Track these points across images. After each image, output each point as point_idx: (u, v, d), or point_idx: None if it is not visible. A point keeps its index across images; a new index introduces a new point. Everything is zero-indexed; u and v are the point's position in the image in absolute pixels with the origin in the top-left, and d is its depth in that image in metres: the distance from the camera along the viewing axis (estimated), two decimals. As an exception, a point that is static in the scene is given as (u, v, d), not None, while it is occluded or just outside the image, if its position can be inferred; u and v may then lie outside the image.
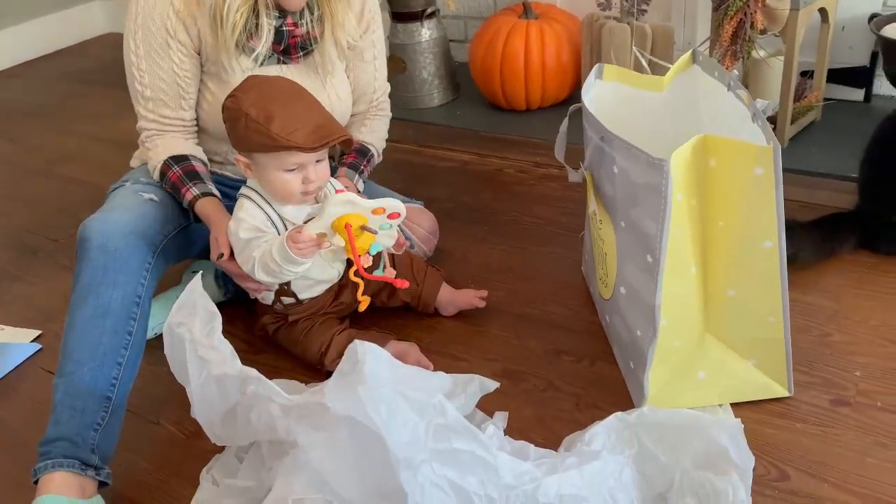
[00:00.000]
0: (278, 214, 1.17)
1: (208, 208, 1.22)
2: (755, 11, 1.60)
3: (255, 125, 1.07)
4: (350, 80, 1.39)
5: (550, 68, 2.01)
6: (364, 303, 1.14)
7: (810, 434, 1.05)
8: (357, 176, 1.36)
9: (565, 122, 1.23)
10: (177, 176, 1.23)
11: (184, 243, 1.27)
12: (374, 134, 1.45)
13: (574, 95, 2.10)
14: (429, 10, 2.12)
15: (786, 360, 1.07)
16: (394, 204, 1.11)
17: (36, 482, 1.00)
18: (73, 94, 2.77)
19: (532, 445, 1.01)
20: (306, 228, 1.09)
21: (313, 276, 1.22)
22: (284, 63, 1.29)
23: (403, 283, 1.13)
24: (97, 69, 3.00)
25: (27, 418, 1.25)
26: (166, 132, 1.27)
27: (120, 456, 1.09)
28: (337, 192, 1.14)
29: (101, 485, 1.03)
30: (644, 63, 1.27)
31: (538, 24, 2.01)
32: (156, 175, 1.26)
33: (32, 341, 1.45)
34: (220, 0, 1.17)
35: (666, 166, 0.93)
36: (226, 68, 1.23)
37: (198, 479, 1.05)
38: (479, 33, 2.11)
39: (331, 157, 1.48)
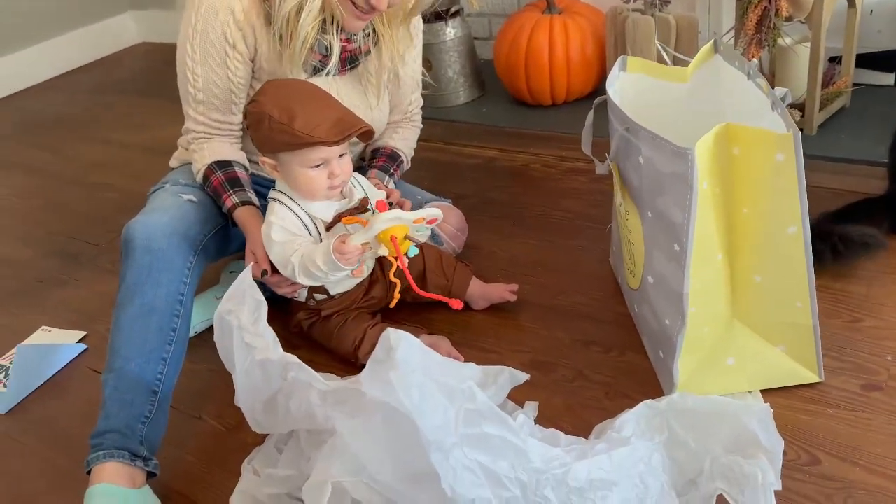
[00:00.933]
0: (307, 213, 1.20)
1: (246, 217, 1.26)
2: (779, -1, 1.59)
3: (279, 125, 1.10)
4: (389, 90, 1.43)
5: (575, 63, 2.02)
6: (395, 300, 1.18)
7: (841, 419, 1.05)
8: (387, 178, 1.40)
9: (591, 114, 1.24)
10: (219, 181, 1.27)
11: (222, 242, 1.31)
12: (406, 142, 1.50)
13: (599, 89, 2.11)
14: (453, 9, 2.15)
15: (815, 345, 1.07)
16: (432, 212, 1.17)
17: (88, 473, 1.04)
18: (108, 104, 2.85)
19: (562, 433, 1.03)
20: (351, 239, 1.12)
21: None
22: (332, 75, 1.32)
23: (458, 304, 1.16)
24: (130, 79, 3.09)
25: (76, 415, 1.31)
26: (213, 136, 1.31)
27: (165, 449, 1.14)
28: (378, 205, 1.18)
29: (150, 475, 1.08)
30: (667, 58, 1.27)
31: (562, 18, 2.02)
32: (199, 178, 1.30)
33: (78, 342, 1.51)
34: (292, 16, 1.18)
35: (691, 155, 0.94)
36: (281, 78, 1.26)
37: (239, 469, 1.08)
38: (503, 30, 2.13)
39: (362, 159, 1.52)
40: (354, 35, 1.28)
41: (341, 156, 1.17)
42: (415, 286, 1.15)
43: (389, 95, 1.45)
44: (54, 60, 3.23)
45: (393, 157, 1.45)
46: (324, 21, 1.23)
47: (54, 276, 1.75)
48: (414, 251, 1.18)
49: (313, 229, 1.21)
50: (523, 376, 1.06)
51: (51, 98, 3.02)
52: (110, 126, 2.62)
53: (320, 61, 1.28)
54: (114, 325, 1.12)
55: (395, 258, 1.13)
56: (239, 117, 1.32)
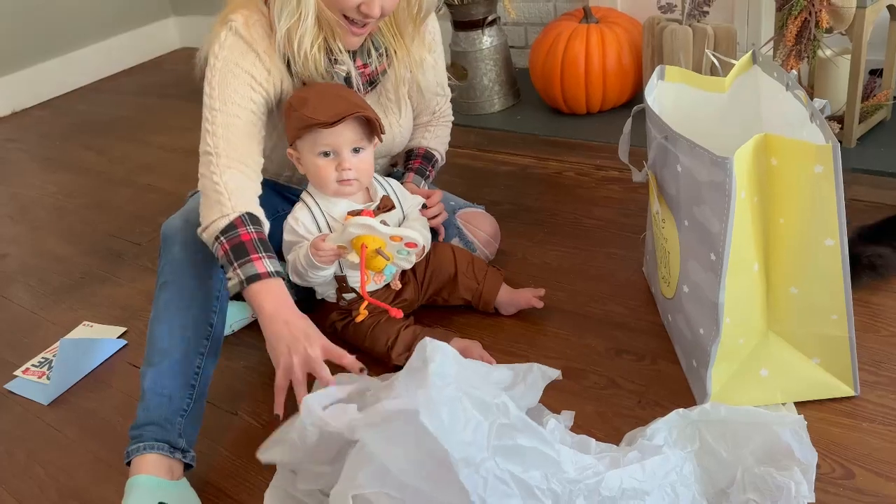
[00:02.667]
0: (326, 215, 1.24)
1: (268, 295, 1.05)
2: (820, 10, 1.58)
3: (292, 111, 1.16)
4: (413, 101, 1.44)
5: (611, 72, 2.03)
6: (361, 316, 1.19)
7: (878, 433, 1.04)
8: (423, 181, 1.42)
9: (629, 122, 1.25)
10: (249, 239, 1.09)
11: None
12: (438, 139, 1.51)
13: (635, 98, 2.11)
14: (490, 18, 2.16)
15: (851, 358, 1.06)
16: (411, 235, 1.16)
17: (128, 464, 1.07)
18: (150, 107, 2.92)
19: (593, 440, 1.03)
20: (328, 239, 1.16)
21: None
22: None
23: (397, 313, 1.17)
24: (171, 83, 3.16)
25: (116, 407, 1.34)
26: (234, 168, 1.16)
27: (201, 443, 1.16)
28: (364, 213, 1.21)
29: (187, 467, 1.10)
30: (717, 64, 1.26)
31: (598, 28, 2.03)
32: (217, 228, 1.11)
33: (119, 337, 1.55)
34: (291, 37, 1.16)
35: (730, 164, 0.94)
36: None
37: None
38: (539, 39, 2.14)
39: (392, 166, 1.54)
40: (369, 59, 1.28)
41: (354, 151, 1.19)
42: (365, 295, 1.16)
43: (414, 104, 1.45)
44: (100, 64, 3.33)
45: (427, 157, 1.47)
46: (330, 50, 1.22)
47: (97, 272, 1.80)
48: (391, 269, 1.18)
49: (326, 231, 1.24)
50: (555, 373, 1.06)
51: (97, 100, 3.11)
52: (153, 129, 2.68)
53: None
54: (153, 319, 1.15)
55: (362, 270, 1.14)
56: (261, 159, 1.21)
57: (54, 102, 3.16)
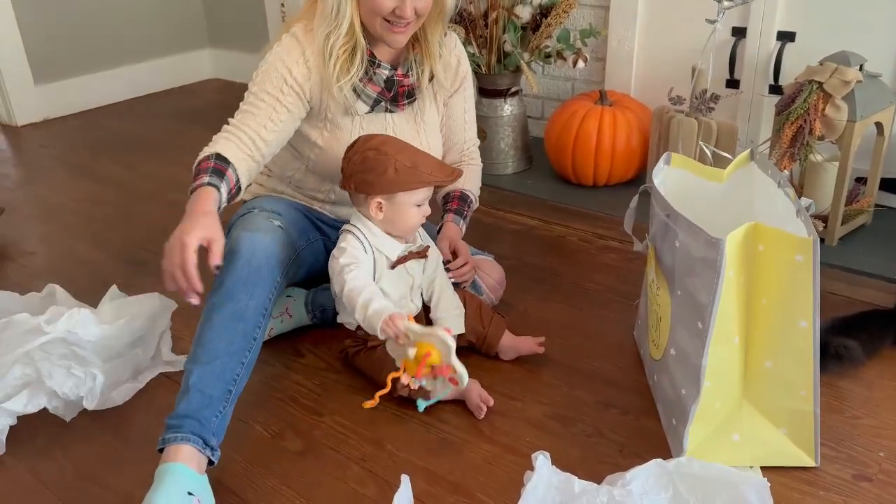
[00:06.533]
0: (374, 248, 1.36)
1: (206, 194, 1.21)
2: (814, 119, 1.75)
3: (407, 169, 1.30)
4: (443, 134, 1.59)
5: (619, 151, 2.19)
6: (371, 403, 1.31)
7: (832, 501, 1.15)
8: (462, 221, 1.55)
9: (635, 199, 1.39)
10: (207, 167, 1.25)
11: (296, 267, 1.45)
12: (471, 182, 1.66)
13: (639, 177, 2.26)
14: (513, 89, 2.34)
15: (814, 431, 1.18)
16: (463, 376, 1.23)
17: (160, 450, 1.15)
18: (179, 130, 3.06)
19: (576, 478, 1.13)
20: (412, 328, 1.22)
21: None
22: (391, 111, 1.48)
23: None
24: (201, 110, 3.31)
25: (130, 405, 1.43)
26: (233, 138, 1.34)
27: (217, 445, 1.25)
28: (445, 329, 1.26)
29: (209, 464, 1.18)
30: (708, 154, 1.43)
31: (612, 110, 2.20)
32: (196, 161, 1.29)
33: (139, 341, 1.64)
34: (327, 41, 1.35)
35: (722, 245, 1.08)
36: (339, 116, 1.42)
37: (279, 471, 1.18)
38: (557, 113, 2.31)
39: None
40: (410, 70, 1.45)
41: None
42: (379, 395, 1.29)
43: (444, 137, 1.59)
44: (133, 84, 3.49)
45: (463, 198, 1.61)
46: (373, 57, 1.39)
47: (122, 279, 1.89)
48: (420, 382, 1.25)
49: (370, 262, 1.36)
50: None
51: (127, 118, 3.25)
52: (181, 151, 2.80)
53: (379, 93, 1.44)
54: (205, 322, 1.24)
55: (405, 371, 1.24)
56: (267, 144, 1.37)
57: (85, 115, 3.30)
